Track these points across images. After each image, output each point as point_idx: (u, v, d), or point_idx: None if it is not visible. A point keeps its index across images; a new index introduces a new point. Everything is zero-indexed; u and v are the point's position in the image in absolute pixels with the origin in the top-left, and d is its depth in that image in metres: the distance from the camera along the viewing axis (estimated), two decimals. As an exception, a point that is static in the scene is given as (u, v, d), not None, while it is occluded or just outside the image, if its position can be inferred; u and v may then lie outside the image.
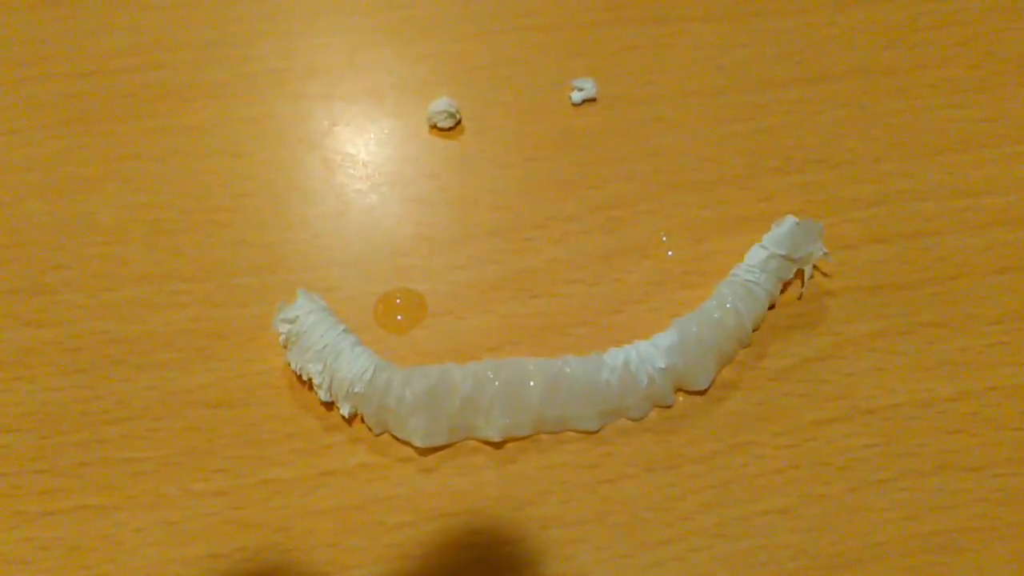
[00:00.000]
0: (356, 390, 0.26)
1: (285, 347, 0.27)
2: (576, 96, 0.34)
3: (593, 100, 0.34)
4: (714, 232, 0.31)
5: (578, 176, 0.32)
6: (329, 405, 0.27)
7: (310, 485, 0.26)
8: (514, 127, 0.33)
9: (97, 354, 0.28)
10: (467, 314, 0.29)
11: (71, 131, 0.33)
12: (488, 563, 0.25)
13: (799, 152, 0.33)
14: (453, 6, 0.36)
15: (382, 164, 0.32)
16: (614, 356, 0.27)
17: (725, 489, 0.26)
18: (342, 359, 0.26)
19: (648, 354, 0.27)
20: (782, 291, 0.29)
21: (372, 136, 0.33)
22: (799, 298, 0.30)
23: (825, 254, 0.28)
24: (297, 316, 0.26)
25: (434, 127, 0.33)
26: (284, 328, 0.27)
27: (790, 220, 0.28)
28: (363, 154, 0.33)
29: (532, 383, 0.26)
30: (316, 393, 0.27)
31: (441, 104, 0.33)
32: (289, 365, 0.27)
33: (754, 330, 0.29)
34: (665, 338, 0.27)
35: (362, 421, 0.27)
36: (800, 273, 0.29)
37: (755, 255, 0.28)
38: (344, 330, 0.27)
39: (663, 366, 0.27)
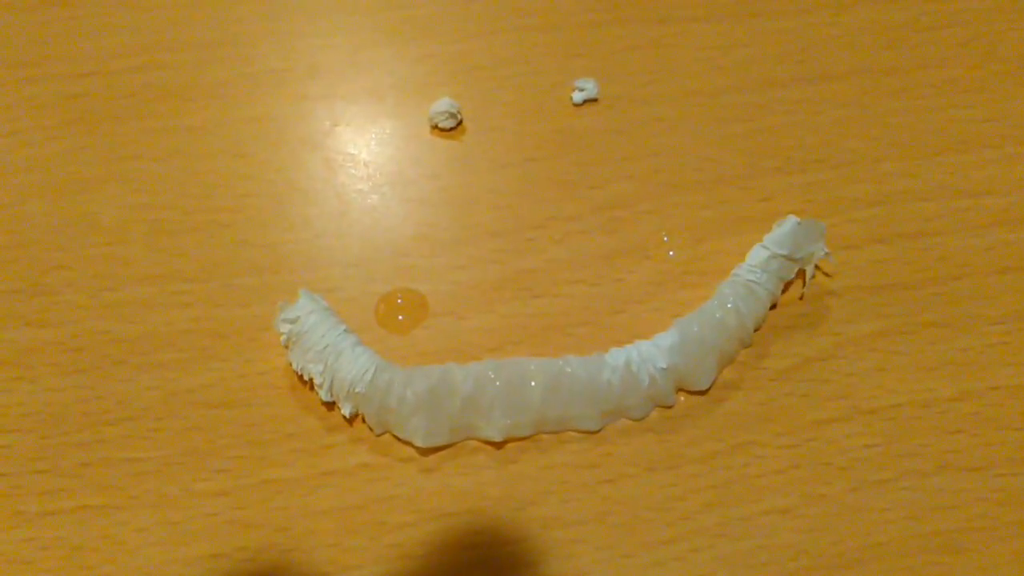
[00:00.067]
0: (357, 390, 0.26)
1: (286, 347, 0.27)
2: (577, 96, 0.34)
3: (594, 100, 0.34)
4: (715, 232, 0.31)
5: (579, 176, 0.32)
6: (330, 405, 0.27)
7: (311, 485, 0.26)
8: (515, 127, 0.33)
9: (98, 354, 0.28)
10: (468, 314, 0.29)
11: (72, 132, 0.33)
12: (489, 563, 0.25)
13: (800, 152, 0.33)
14: (454, 6, 0.36)
15: (383, 164, 0.32)
16: (615, 356, 0.27)
17: (726, 489, 0.26)
18: (343, 359, 0.26)
19: (649, 354, 0.27)
20: (783, 291, 0.29)
21: (373, 136, 0.33)
22: (800, 298, 0.30)
23: (826, 254, 0.28)
24: (298, 316, 0.26)
25: (435, 127, 0.33)
26: (285, 328, 0.27)
27: (792, 220, 0.28)
28: (364, 154, 0.33)
29: (533, 383, 0.26)
30: (317, 393, 0.27)
31: (442, 104, 0.33)
32: (290, 365, 0.27)
33: (755, 330, 0.29)
34: (666, 338, 0.27)
35: (363, 421, 0.27)
36: (801, 273, 0.29)
37: (756, 255, 0.28)
38: (345, 330, 0.27)
39: (664, 366, 0.27)
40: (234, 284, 0.30)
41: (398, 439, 0.27)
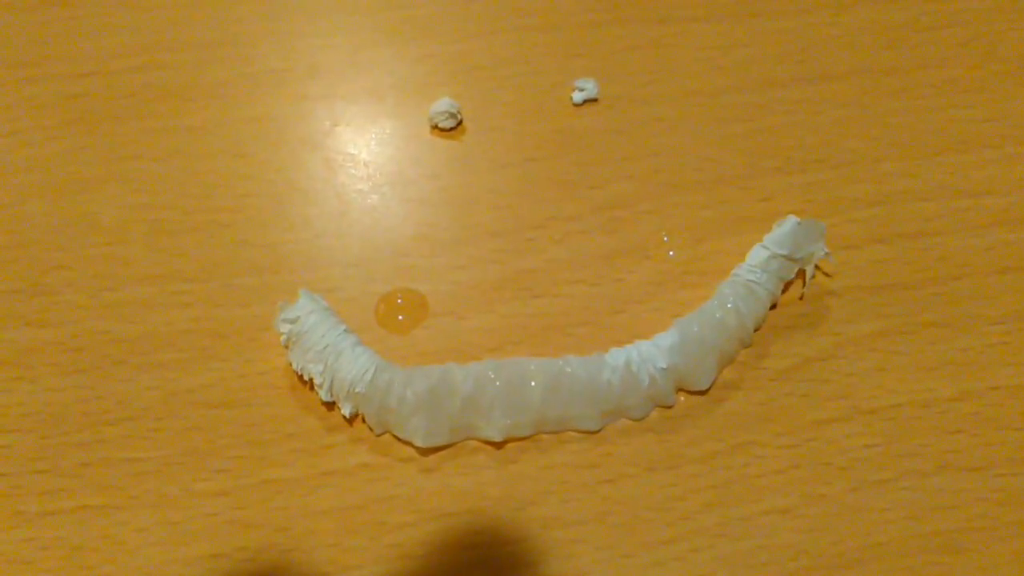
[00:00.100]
0: (357, 390, 0.26)
1: (286, 347, 0.27)
2: (577, 96, 0.34)
3: (594, 100, 0.34)
4: (715, 232, 0.31)
5: (579, 176, 0.32)
6: (330, 405, 0.27)
7: (311, 485, 0.26)
8: (515, 127, 0.33)
9: (98, 354, 0.28)
10: (468, 314, 0.29)
11: (72, 132, 0.33)
12: (489, 563, 0.25)
13: (800, 152, 0.33)
14: (455, 6, 0.36)
15: (383, 164, 0.32)
16: (615, 356, 0.27)
17: (726, 489, 0.26)
18: (343, 359, 0.26)
19: (649, 354, 0.27)
20: (783, 291, 0.29)
21: (373, 136, 0.33)
22: (800, 298, 0.30)
23: (826, 254, 0.28)
24: (298, 316, 0.26)
25: (435, 127, 0.33)
26: (285, 328, 0.27)
27: (792, 220, 0.28)
28: (364, 154, 0.33)
29: (533, 383, 0.26)
30: (317, 393, 0.27)
31: (443, 104, 0.33)
32: (290, 365, 0.27)
33: (755, 330, 0.29)
34: (666, 338, 0.27)
35: (363, 421, 0.27)
36: (802, 273, 0.29)
37: (757, 255, 0.28)
38: (345, 330, 0.27)
39: (664, 366, 0.27)
40: (234, 284, 0.30)
41: (398, 439, 0.27)
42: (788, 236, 0.28)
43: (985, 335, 0.29)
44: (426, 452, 0.27)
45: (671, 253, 0.30)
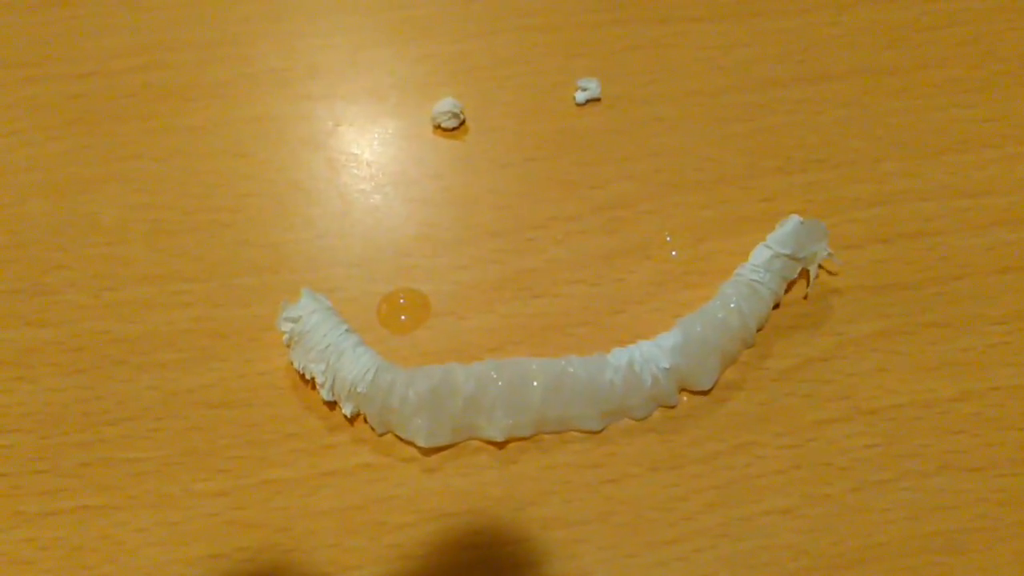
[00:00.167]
0: (359, 390, 0.26)
1: (288, 346, 0.27)
2: (580, 96, 0.34)
3: (597, 100, 0.34)
4: (716, 232, 0.31)
5: (580, 176, 0.32)
6: (332, 405, 0.27)
7: (312, 485, 0.26)
8: (517, 127, 0.33)
9: (98, 354, 0.28)
10: (470, 314, 0.29)
11: (73, 131, 0.33)
12: (490, 563, 0.25)
13: (801, 152, 0.33)
14: (456, 6, 0.36)
15: (386, 164, 0.32)
16: (618, 356, 0.27)
17: (728, 489, 0.26)
18: (345, 359, 0.26)
19: (652, 354, 0.27)
20: (786, 291, 0.29)
21: (376, 136, 0.33)
22: (804, 298, 0.30)
23: (829, 254, 0.28)
24: (300, 316, 0.26)
25: (438, 127, 0.33)
26: (287, 327, 0.27)
27: (794, 219, 0.28)
28: (367, 154, 0.33)
29: (535, 383, 0.26)
30: (319, 393, 0.27)
31: (445, 104, 0.33)
32: (292, 365, 0.27)
33: (758, 330, 0.29)
34: (669, 338, 0.27)
35: (364, 421, 0.27)
36: (804, 273, 0.29)
37: (760, 254, 0.28)
38: (347, 330, 0.27)
39: (667, 366, 0.27)
40: (235, 284, 0.30)
41: (400, 439, 0.27)
42: (791, 235, 0.28)
43: (986, 335, 0.29)
44: (428, 452, 0.27)
45: (673, 253, 0.30)
